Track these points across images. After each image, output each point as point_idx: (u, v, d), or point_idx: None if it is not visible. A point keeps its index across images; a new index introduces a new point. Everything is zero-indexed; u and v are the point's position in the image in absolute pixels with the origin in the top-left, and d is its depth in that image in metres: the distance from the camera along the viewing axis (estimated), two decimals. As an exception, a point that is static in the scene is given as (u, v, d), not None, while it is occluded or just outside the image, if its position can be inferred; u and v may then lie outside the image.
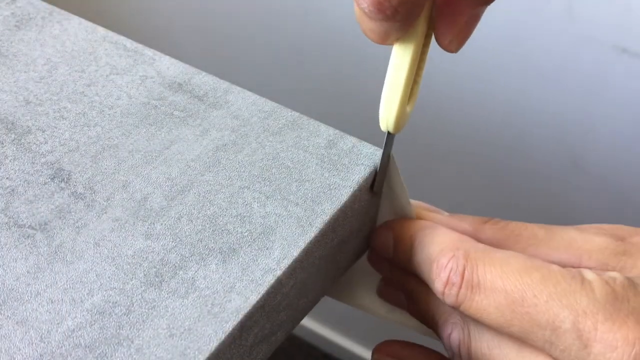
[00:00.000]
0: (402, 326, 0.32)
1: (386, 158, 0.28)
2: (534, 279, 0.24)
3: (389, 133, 0.26)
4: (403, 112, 0.25)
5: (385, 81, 0.25)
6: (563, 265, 0.26)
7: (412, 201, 0.30)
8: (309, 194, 0.27)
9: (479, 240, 0.27)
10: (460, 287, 0.25)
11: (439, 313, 0.28)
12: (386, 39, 0.23)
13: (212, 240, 0.26)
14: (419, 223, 0.28)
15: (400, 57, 0.24)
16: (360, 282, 0.32)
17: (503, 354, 0.25)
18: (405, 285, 0.30)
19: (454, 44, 0.24)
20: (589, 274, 0.24)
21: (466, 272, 0.25)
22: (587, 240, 0.26)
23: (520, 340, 0.24)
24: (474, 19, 0.24)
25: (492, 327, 0.25)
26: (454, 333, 0.27)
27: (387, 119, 0.26)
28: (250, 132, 0.30)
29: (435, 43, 0.25)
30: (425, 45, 0.25)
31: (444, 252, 0.26)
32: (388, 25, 0.22)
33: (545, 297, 0.23)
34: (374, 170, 0.28)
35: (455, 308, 0.25)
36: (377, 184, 0.28)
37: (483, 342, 0.26)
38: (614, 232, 0.27)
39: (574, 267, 0.26)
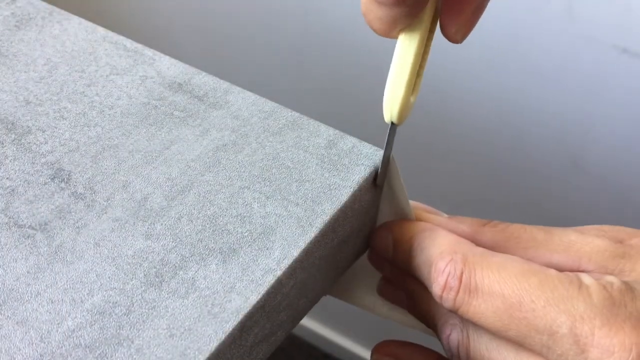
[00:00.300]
0: (403, 325, 0.32)
1: (389, 150, 0.28)
2: (531, 284, 0.24)
3: (392, 124, 0.26)
4: (407, 103, 0.25)
5: (390, 72, 0.25)
6: (562, 268, 0.26)
7: (411, 202, 0.30)
8: (309, 194, 0.27)
9: (478, 242, 0.27)
10: (457, 292, 0.25)
11: (438, 314, 0.28)
12: (393, 29, 0.23)
13: (212, 241, 0.26)
14: (418, 225, 0.28)
15: (405, 47, 0.24)
16: (361, 281, 0.33)
17: (501, 356, 0.25)
18: (405, 285, 0.30)
19: (459, 34, 0.24)
20: (587, 279, 0.24)
21: (464, 276, 0.25)
22: (587, 243, 0.26)
23: (518, 343, 0.24)
24: (480, 9, 0.24)
25: (490, 330, 0.25)
26: (452, 334, 0.27)
27: (391, 109, 0.26)
28: (250, 132, 0.30)
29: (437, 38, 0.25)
30: (429, 38, 0.25)
31: (442, 255, 0.26)
32: (397, 11, 0.23)
33: (542, 302, 0.23)
34: (375, 170, 0.28)
35: (453, 312, 0.25)
36: (379, 176, 0.28)
37: (482, 344, 0.26)
38: (613, 234, 0.26)
39: (573, 269, 0.26)
